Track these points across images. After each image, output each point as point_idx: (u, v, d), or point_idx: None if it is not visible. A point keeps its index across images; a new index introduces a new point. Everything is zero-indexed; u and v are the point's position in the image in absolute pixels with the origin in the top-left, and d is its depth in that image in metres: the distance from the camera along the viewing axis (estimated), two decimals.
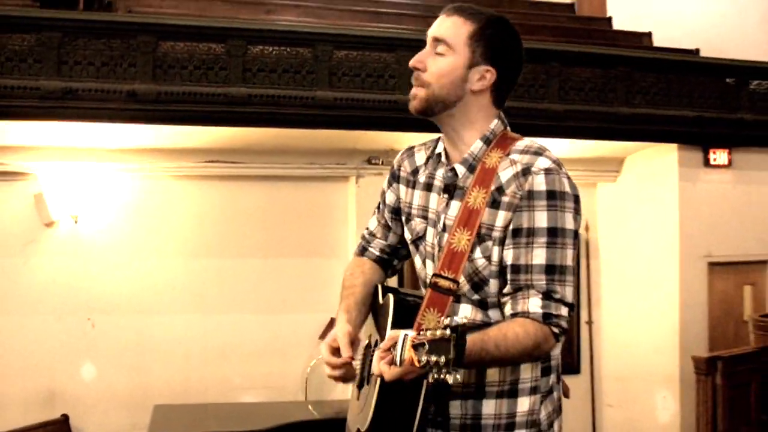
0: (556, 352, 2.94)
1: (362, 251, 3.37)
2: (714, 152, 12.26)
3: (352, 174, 11.78)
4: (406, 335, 2.43)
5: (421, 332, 2.39)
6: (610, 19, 15.11)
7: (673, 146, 12.17)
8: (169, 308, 11.16)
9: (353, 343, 2.95)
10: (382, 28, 12.10)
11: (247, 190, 11.59)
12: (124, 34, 9.85)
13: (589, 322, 12.91)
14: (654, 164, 12.53)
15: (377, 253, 3.31)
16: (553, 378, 2.96)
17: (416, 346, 2.35)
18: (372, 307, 3.16)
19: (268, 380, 11.29)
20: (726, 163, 12.32)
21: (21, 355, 10.59)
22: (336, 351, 2.92)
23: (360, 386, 3.05)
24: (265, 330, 11.49)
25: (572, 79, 11.37)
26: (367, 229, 3.40)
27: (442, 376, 2.31)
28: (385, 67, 10.73)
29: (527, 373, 2.88)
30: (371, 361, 2.82)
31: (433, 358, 2.30)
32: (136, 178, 11.12)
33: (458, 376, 2.31)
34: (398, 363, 2.44)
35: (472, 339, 2.56)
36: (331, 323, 11.29)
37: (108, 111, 9.72)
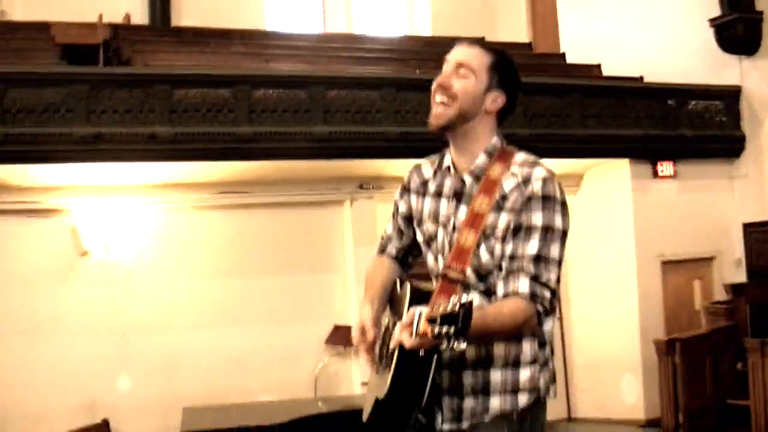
0: (549, 327, 3.02)
1: (382, 250, 3.42)
2: (661, 165, 12.37)
3: (346, 198, 11.87)
4: (421, 312, 2.54)
5: (435, 308, 2.49)
6: (563, 54, 15.24)
7: (625, 161, 12.29)
8: (193, 324, 11.18)
9: (376, 325, 3.05)
10: (368, 71, 12.16)
11: (256, 216, 11.63)
12: (143, 84, 9.96)
13: (560, 318, 12.93)
14: (609, 178, 12.63)
15: (394, 253, 3.36)
16: (547, 350, 3.05)
17: (430, 321, 2.45)
18: (390, 298, 3.23)
19: (281, 382, 11.27)
20: (672, 174, 12.43)
21: (65, 370, 10.60)
22: (364, 332, 3.01)
23: (380, 362, 3.10)
24: (277, 339, 11.50)
25: (534, 107, 11.46)
26: (385, 232, 3.44)
27: (451, 343, 2.42)
28: (372, 103, 10.84)
29: (527, 347, 2.97)
30: (389, 342, 2.93)
31: (444, 329, 2.41)
32: (159, 210, 11.17)
33: (463, 345, 2.41)
34: (415, 334, 2.53)
35: (474, 315, 2.65)
36: (336, 329, 11.39)
37: (132, 152, 9.81)
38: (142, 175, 10.57)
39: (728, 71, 12.64)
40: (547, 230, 2.88)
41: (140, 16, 14.74)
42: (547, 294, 2.86)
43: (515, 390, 2.96)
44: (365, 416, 3.05)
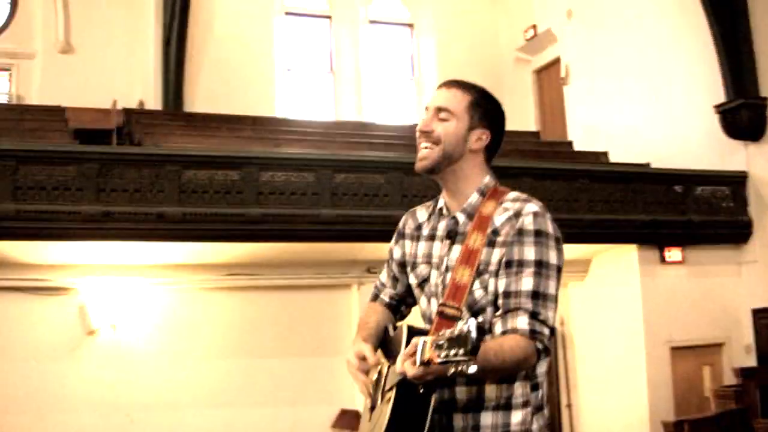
0: (542, 370, 2.94)
1: (375, 297, 3.38)
2: (669, 250, 12.30)
3: (354, 282, 11.81)
4: (425, 340, 2.47)
5: (439, 335, 2.43)
6: (570, 142, 15.31)
7: (633, 246, 12.21)
8: (198, 403, 11.05)
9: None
10: (374, 155, 12.21)
11: (263, 298, 11.58)
12: (153, 164, 10.00)
13: (569, 405, 12.76)
14: (617, 264, 12.54)
15: (387, 300, 3.31)
16: (541, 393, 2.97)
17: (437, 346, 2.39)
18: (383, 343, 3.14)
19: None
20: (680, 259, 12.35)
21: None
22: (363, 359, 2.94)
23: (372, 408, 3.02)
24: (283, 421, 11.38)
25: (541, 191, 11.43)
26: (379, 280, 3.39)
27: (461, 368, 2.33)
28: (378, 186, 10.85)
29: (519, 389, 2.89)
30: (385, 384, 2.85)
31: (452, 352, 2.34)
32: (167, 290, 11.13)
33: (474, 368, 2.33)
34: (419, 362, 2.45)
35: None
36: (342, 413, 11.24)
37: (141, 231, 9.81)
38: (150, 255, 10.54)
39: (734, 157, 12.64)
40: (540, 265, 2.82)
41: (153, 102, 14.92)
42: (546, 331, 2.81)
43: None
44: None
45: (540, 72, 17.41)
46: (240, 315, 11.49)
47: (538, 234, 2.85)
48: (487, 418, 2.87)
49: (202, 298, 11.35)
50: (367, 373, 2.95)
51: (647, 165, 13.16)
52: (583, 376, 12.95)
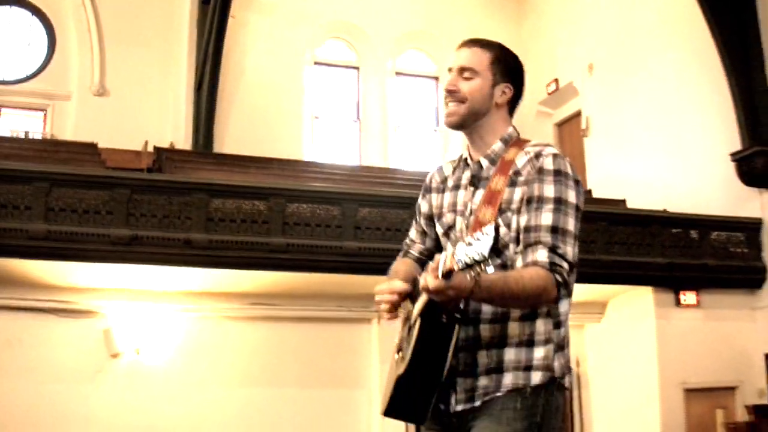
0: (564, 309, 2.95)
1: (405, 254, 3.36)
2: (684, 294, 12.25)
3: (374, 316, 11.70)
4: (446, 254, 2.49)
5: (460, 244, 2.48)
6: (589, 191, 15.30)
7: (649, 289, 12.17)
8: (217, 429, 11.00)
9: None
10: (398, 191, 12.23)
11: (285, 329, 11.55)
12: (182, 192, 10.09)
13: None
14: (632, 306, 12.49)
15: (416, 255, 3.30)
16: (563, 331, 2.97)
17: (457, 257, 2.43)
18: (410, 296, 3.06)
19: None
20: (695, 303, 12.29)
21: None
22: (397, 286, 2.93)
23: (399, 351, 2.98)
24: None
25: None
26: (408, 236, 3.39)
27: (480, 268, 2.40)
28: (402, 221, 10.84)
29: (542, 326, 2.90)
30: (409, 330, 2.85)
31: (471, 254, 2.40)
32: (190, 317, 11.13)
33: (492, 267, 2.40)
34: (441, 274, 2.47)
35: (495, 275, 2.64)
36: None
37: (167, 256, 9.87)
38: (175, 282, 10.56)
39: (749, 203, 12.64)
40: (559, 202, 2.85)
41: (183, 143, 15.02)
42: (566, 265, 2.80)
43: (528, 367, 2.87)
44: (382, 408, 2.91)
45: (561, 125, 17.48)
46: (261, 344, 11.45)
47: (558, 173, 2.88)
48: (510, 354, 2.89)
49: (224, 327, 11.32)
50: (395, 305, 2.93)
51: (663, 212, 13.14)
52: (598, 416, 12.82)
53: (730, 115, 12.69)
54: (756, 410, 11.42)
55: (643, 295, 12.27)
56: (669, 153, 13.98)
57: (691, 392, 12.07)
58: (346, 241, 10.63)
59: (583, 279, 11.16)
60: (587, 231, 11.68)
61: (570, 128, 17.09)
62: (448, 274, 2.47)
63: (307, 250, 10.44)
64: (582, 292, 11.68)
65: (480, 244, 2.40)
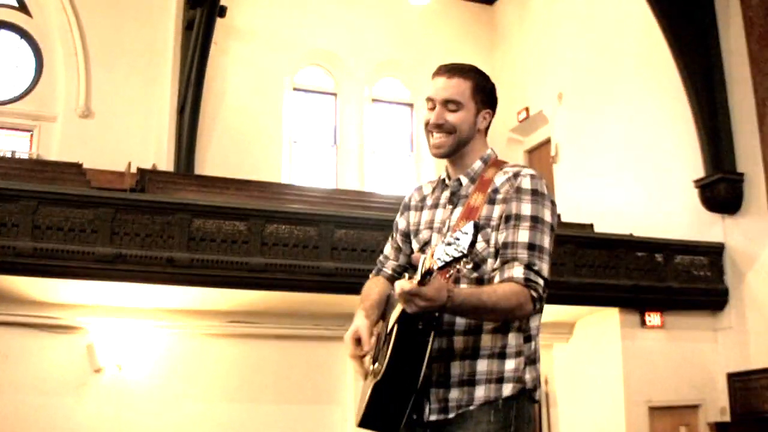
0: (535, 324, 3.06)
1: (378, 272, 3.45)
2: (649, 315, 12.49)
3: None
4: (426, 255, 2.60)
5: (440, 242, 2.62)
6: (558, 215, 15.48)
7: (615, 310, 12.40)
8: None
9: (371, 335, 3.03)
10: (374, 214, 12.42)
11: (263, 346, 11.68)
12: (164, 212, 10.22)
13: None
14: (599, 326, 12.72)
15: (390, 272, 3.38)
16: (533, 345, 3.07)
17: (436, 256, 2.55)
18: (383, 313, 3.20)
19: None
20: (660, 324, 12.52)
21: None
22: (358, 341, 3.01)
23: (375, 362, 3.02)
24: None
25: None
26: (382, 253, 3.48)
27: (459, 265, 2.54)
28: (377, 243, 10.98)
29: (513, 340, 2.99)
30: (385, 340, 2.95)
31: (451, 252, 2.52)
32: (171, 334, 11.25)
33: (470, 266, 2.58)
34: (420, 274, 2.55)
35: (469, 290, 2.80)
36: None
37: (150, 274, 9.97)
38: (156, 299, 10.69)
39: (712, 229, 12.91)
40: (536, 220, 2.97)
41: (166, 165, 15.20)
42: (540, 281, 2.92)
43: (500, 379, 2.97)
44: (357, 419, 2.98)
45: (532, 151, 17.81)
46: (240, 361, 11.58)
47: (535, 193, 3.02)
48: (482, 365, 2.98)
49: (204, 343, 11.46)
50: (362, 358, 3.00)
51: (630, 235, 13.41)
52: None
53: (694, 143, 12.99)
54: (718, 428, 11.68)
55: (610, 316, 12.51)
56: (635, 179, 14.28)
57: (655, 410, 12.30)
58: (323, 262, 10.78)
59: (551, 300, 11.29)
60: (556, 254, 11.85)
61: (540, 155, 17.39)
62: (427, 274, 2.55)
63: (285, 269, 10.59)
64: (550, 312, 11.86)
65: (459, 243, 2.52)
